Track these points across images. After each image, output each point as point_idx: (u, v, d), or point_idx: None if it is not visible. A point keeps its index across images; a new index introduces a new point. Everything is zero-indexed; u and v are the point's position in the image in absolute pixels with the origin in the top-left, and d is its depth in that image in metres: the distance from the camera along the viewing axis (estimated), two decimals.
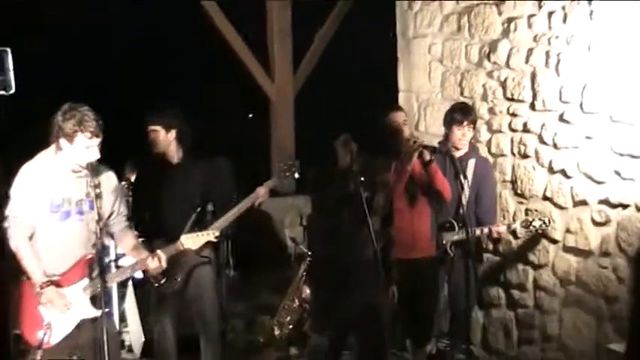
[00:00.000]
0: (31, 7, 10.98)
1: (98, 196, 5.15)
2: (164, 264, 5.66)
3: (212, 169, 6.76)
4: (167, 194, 6.52)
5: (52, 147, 5.27)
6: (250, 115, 15.06)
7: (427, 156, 6.40)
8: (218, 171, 6.80)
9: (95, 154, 5.19)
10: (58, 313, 5.26)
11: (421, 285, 6.62)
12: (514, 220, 7.09)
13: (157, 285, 6.55)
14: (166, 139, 6.57)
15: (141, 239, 6.10)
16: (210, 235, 6.08)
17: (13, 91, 5.10)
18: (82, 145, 5.14)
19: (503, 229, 6.89)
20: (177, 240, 5.96)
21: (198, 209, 6.33)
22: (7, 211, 5.18)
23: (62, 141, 5.15)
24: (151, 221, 6.39)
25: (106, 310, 5.43)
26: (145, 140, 6.70)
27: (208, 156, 6.87)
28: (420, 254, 6.53)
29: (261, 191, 6.58)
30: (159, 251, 5.65)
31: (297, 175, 6.65)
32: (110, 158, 5.46)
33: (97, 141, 5.17)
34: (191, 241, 6.00)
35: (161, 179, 6.57)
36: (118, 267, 5.93)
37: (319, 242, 5.97)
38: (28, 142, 5.21)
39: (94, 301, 5.23)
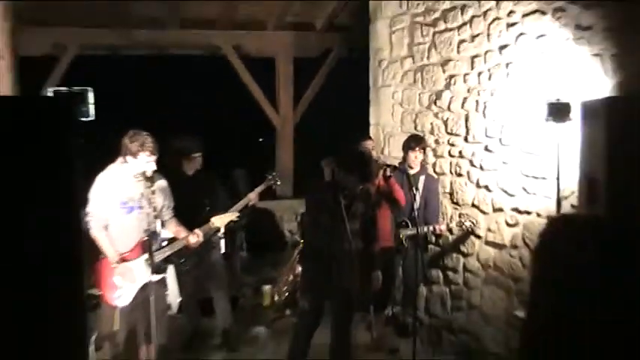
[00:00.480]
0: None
1: (152, 195, 5.24)
2: (201, 239, 5.76)
3: (213, 181, 6.84)
4: (184, 196, 6.59)
5: (119, 160, 5.36)
6: (260, 140, 15.07)
7: (388, 172, 6.43)
8: (216, 183, 6.88)
9: (153, 167, 5.30)
10: (127, 282, 5.35)
11: (383, 267, 6.64)
12: (451, 221, 7.12)
13: (178, 264, 6.63)
14: (200, 163, 6.68)
15: None
16: (232, 215, 6.16)
17: (92, 118, 5.18)
18: (143, 161, 5.24)
19: (443, 227, 6.93)
20: (208, 222, 6.05)
21: (207, 208, 6.37)
22: (88, 209, 5.25)
23: (128, 157, 5.25)
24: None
25: (162, 276, 5.54)
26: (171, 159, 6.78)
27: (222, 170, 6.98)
28: (383, 245, 6.53)
29: (252, 195, 6.64)
30: (197, 230, 5.74)
31: (278, 183, 6.76)
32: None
33: (154, 158, 5.28)
34: (219, 220, 6.08)
35: (179, 186, 6.63)
36: (164, 246, 5.96)
37: (308, 234, 5.97)
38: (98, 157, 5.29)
39: (152, 269, 5.31)
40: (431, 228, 6.84)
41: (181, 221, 5.99)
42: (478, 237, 6.95)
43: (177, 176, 6.64)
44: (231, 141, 13.26)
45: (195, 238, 5.74)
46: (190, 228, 5.94)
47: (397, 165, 6.80)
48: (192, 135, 6.80)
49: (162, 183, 5.58)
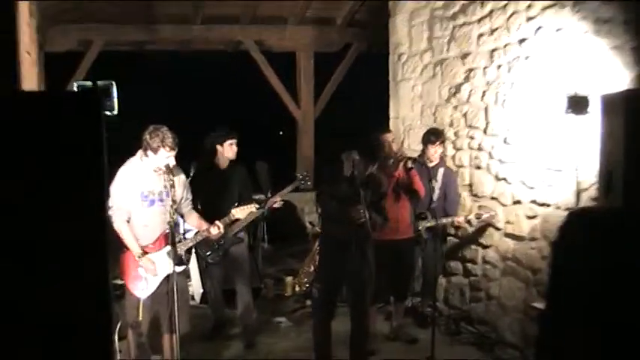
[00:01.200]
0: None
1: (172, 188, 5.26)
2: (222, 230, 5.80)
3: (244, 173, 6.87)
4: (216, 191, 6.62)
5: (139, 154, 5.39)
6: (281, 133, 15.12)
7: (409, 164, 6.42)
8: (247, 175, 6.92)
9: (172, 162, 5.33)
10: (150, 274, 5.40)
11: (403, 258, 6.65)
12: (470, 213, 7.10)
13: (204, 257, 6.68)
14: (235, 150, 6.71)
15: None
16: (251, 207, 6.18)
17: (116, 112, 5.19)
18: (163, 156, 5.28)
19: (461, 219, 6.92)
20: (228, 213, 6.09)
21: (236, 203, 6.39)
22: (110, 202, 5.25)
23: (149, 152, 5.28)
24: (205, 207, 6.45)
25: (183, 267, 5.57)
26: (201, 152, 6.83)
27: (248, 163, 7.02)
28: (402, 236, 6.55)
29: (278, 197, 6.73)
30: (217, 222, 5.77)
31: (309, 183, 6.78)
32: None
33: (173, 153, 5.31)
34: (239, 212, 6.11)
35: (213, 179, 6.69)
36: (186, 238, 5.99)
37: (325, 222, 5.98)
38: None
39: (175, 261, 5.34)
40: (449, 220, 6.79)
41: (214, 214, 6.03)
42: (497, 229, 6.92)
43: (210, 170, 6.72)
44: (254, 134, 13.27)
45: (217, 229, 5.76)
46: (219, 216, 5.97)
47: (417, 158, 6.81)
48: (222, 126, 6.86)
49: (181, 176, 5.61)
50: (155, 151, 5.27)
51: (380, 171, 6.10)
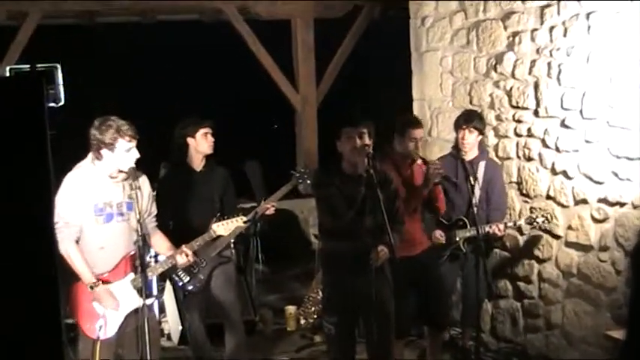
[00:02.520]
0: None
1: (138, 195, 5.23)
2: (191, 258, 5.73)
3: (224, 177, 6.83)
4: (192, 199, 6.59)
5: (89, 157, 5.37)
6: (275, 127, 15.12)
7: (436, 177, 6.38)
8: (228, 179, 6.88)
9: (135, 154, 5.30)
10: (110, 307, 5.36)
11: (428, 276, 6.58)
12: (519, 217, 7.07)
13: (180, 285, 6.63)
14: (211, 142, 6.64)
15: None
16: (238, 220, 6.14)
17: (62, 103, 5.19)
18: (123, 149, 5.24)
19: (501, 226, 6.86)
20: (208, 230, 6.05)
21: (218, 214, 6.35)
22: (56, 218, 5.13)
23: (103, 151, 5.24)
24: (177, 222, 6.43)
25: (151, 300, 5.54)
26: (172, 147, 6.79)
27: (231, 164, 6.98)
28: (419, 250, 6.49)
29: (269, 203, 6.62)
30: (184, 247, 5.71)
31: (309, 181, 6.70)
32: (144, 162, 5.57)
33: (135, 142, 5.28)
34: (222, 228, 6.07)
35: (186, 185, 6.64)
36: (157, 262, 5.97)
37: (326, 237, 5.98)
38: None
39: (141, 292, 5.29)
40: (487, 228, 6.73)
41: (187, 231, 6.01)
42: (556, 237, 6.89)
43: (181, 174, 6.67)
44: (241, 127, 13.28)
45: (184, 257, 5.69)
46: (197, 235, 5.96)
47: (451, 150, 6.81)
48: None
49: (145, 182, 5.57)
50: (111, 146, 5.23)
51: (388, 164, 6.13)
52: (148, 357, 5.12)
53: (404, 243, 6.15)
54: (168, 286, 7.43)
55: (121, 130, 5.23)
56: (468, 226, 6.78)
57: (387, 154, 6.42)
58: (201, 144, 6.60)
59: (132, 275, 5.33)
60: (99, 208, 5.34)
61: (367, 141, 5.60)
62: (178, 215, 6.44)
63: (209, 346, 7.03)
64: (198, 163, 6.67)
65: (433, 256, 6.70)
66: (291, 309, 8.42)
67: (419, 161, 6.49)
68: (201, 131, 6.58)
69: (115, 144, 5.23)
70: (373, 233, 5.46)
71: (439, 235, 6.73)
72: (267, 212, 6.67)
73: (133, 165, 5.32)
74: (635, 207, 6.17)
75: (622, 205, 6.28)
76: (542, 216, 6.77)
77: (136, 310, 5.32)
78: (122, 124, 5.25)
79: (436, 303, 6.69)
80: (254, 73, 11.59)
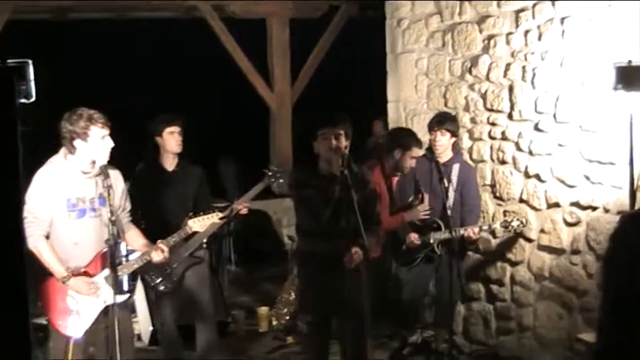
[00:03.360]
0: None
1: (109, 194, 5.20)
2: (167, 254, 5.70)
3: (198, 176, 6.80)
4: (164, 198, 6.57)
5: (61, 152, 5.33)
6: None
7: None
8: (202, 178, 6.85)
9: (110, 143, 5.26)
10: (85, 301, 5.31)
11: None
12: (493, 220, 7.08)
13: (152, 285, 6.60)
14: (181, 141, 6.59)
15: None
16: (214, 216, 6.12)
17: (33, 99, 5.13)
18: (97, 137, 5.20)
19: (476, 230, 6.88)
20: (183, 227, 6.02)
21: (191, 213, 6.31)
22: (25, 213, 5.08)
23: (77, 142, 5.21)
24: (149, 222, 6.40)
25: (126, 297, 5.52)
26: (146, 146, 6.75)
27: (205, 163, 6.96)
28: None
29: (240, 204, 6.57)
30: (160, 243, 5.68)
31: (282, 181, 6.69)
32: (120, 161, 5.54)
33: (108, 130, 5.25)
34: (198, 224, 6.04)
35: (159, 184, 6.61)
36: (129, 260, 5.94)
37: (303, 237, 5.99)
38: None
39: (115, 288, 5.26)
40: (462, 231, 6.76)
41: (161, 230, 5.97)
42: (529, 240, 6.92)
43: (154, 173, 6.64)
44: (215, 125, 13.23)
45: (160, 254, 5.66)
46: (169, 235, 5.92)
47: (425, 152, 6.83)
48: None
49: (118, 178, 5.54)
50: (84, 135, 5.19)
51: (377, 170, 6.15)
52: (118, 356, 5.09)
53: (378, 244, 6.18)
54: (139, 285, 7.38)
55: (92, 118, 5.20)
56: (442, 229, 6.79)
57: (380, 162, 6.46)
58: (168, 143, 6.53)
59: (106, 272, 5.29)
60: (71, 203, 5.30)
61: (343, 142, 5.61)
62: (150, 215, 6.41)
63: (181, 346, 7.01)
64: (169, 162, 6.62)
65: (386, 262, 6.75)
66: (263, 310, 8.39)
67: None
68: (168, 130, 6.50)
69: (89, 132, 5.19)
70: (348, 234, 5.48)
71: (414, 237, 6.74)
72: (241, 212, 6.64)
73: (105, 161, 5.28)
74: (606, 211, 6.21)
75: (594, 208, 6.32)
76: (518, 220, 6.78)
77: (108, 309, 5.29)
78: (93, 113, 5.22)
79: (405, 305, 6.72)
80: (229, 72, 11.56)
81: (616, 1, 6.01)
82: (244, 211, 6.59)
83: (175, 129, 6.52)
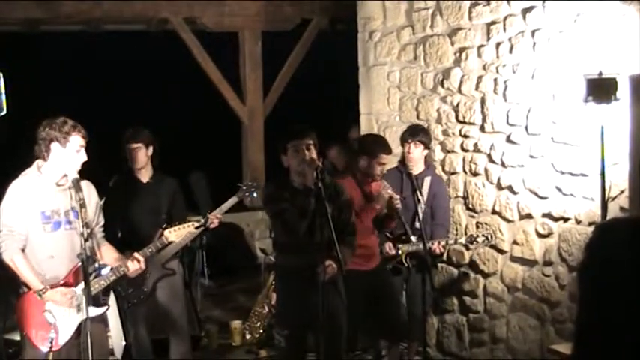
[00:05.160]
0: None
1: (82, 207, 5.17)
2: (143, 265, 5.67)
3: (172, 188, 6.80)
4: (137, 211, 6.54)
5: (34, 166, 5.30)
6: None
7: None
8: (176, 190, 6.85)
9: (84, 157, 5.24)
10: (63, 314, 5.26)
11: (386, 286, 6.66)
12: (465, 232, 7.11)
13: (124, 295, 6.57)
14: (145, 156, 6.60)
15: None
16: (190, 226, 6.10)
17: (4, 112, 5.10)
18: (75, 146, 5.18)
19: (443, 242, 6.86)
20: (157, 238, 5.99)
21: (165, 225, 6.29)
22: (0, 226, 5.15)
23: (54, 146, 5.17)
24: (124, 233, 6.36)
25: (103, 310, 5.48)
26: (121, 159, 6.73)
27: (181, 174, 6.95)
28: (374, 264, 6.57)
29: (214, 216, 6.59)
30: (136, 254, 5.66)
31: (255, 195, 6.71)
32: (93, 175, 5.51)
33: (84, 144, 5.24)
34: (174, 234, 6.01)
35: (132, 197, 6.59)
36: (101, 274, 5.88)
37: (280, 250, 5.99)
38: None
39: (94, 302, 5.24)
40: (429, 244, 6.71)
41: (135, 242, 5.97)
42: (501, 252, 6.94)
43: (129, 184, 6.66)
44: (186, 139, 13.20)
45: (135, 264, 5.63)
46: (144, 247, 5.90)
47: (397, 164, 6.84)
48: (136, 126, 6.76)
49: (92, 191, 5.52)
50: (64, 140, 5.15)
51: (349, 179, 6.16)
52: None
53: (361, 257, 6.17)
54: (112, 298, 7.32)
55: (76, 127, 5.23)
56: (413, 240, 6.78)
57: (350, 170, 6.46)
58: (132, 158, 6.63)
59: (82, 285, 5.24)
60: (46, 216, 5.27)
61: (314, 153, 5.61)
62: (125, 226, 6.39)
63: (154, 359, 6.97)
64: (143, 174, 6.64)
65: (387, 273, 6.73)
66: (236, 323, 8.36)
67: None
68: (132, 146, 6.59)
69: (69, 138, 5.18)
70: (323, 247, 5.47)
71: (389, 247, 6.74)
72: (212, 226, 6.63)
73: (76, 175, 5.25)
74: (578, 222, 6.24)
75: (565, 220, 6.35)
76: (483, 235, 6.79)
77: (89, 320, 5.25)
78: (76, 124, 5.23)
79: (395, 315, 6.69)
80: (200, 85, 11.54)
81: (583, 14, 6.05)
82: (215, 223, 6.60)
83: (138, 145, 6.55)
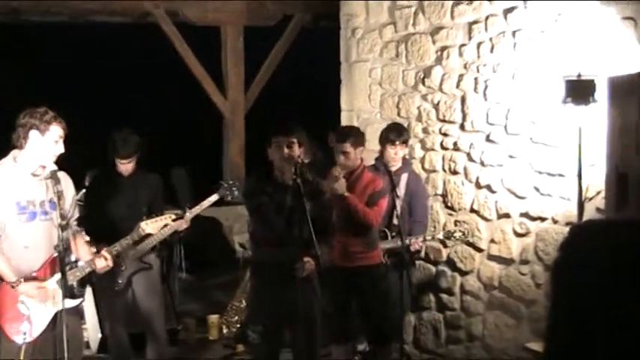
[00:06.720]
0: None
1: (60, 198, 5.14)
2: (110, 263, 5.63)
3: (154, 183, 6.78)
4: (118, 204, 6.53)
5: (10, 155, 5.25)
6: None
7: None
8: (159, 185, 6.83)
9: (61, 149, 5.20)
10: (37, 306, 5.23)
11: (370, 288, 6.65)
12: (444, 229, 7.12)
13: (99, 286, 6.55)
14: (134, 166, 6.59)
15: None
16: (167, 218, 6.09)
17: None
18: (54, 136, 5.13)
19: (420, 239, 6.87)
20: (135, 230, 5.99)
21: (144, 218, 6.28)
22: None
23: (32, 133, 5.12)
24: (103, 227, 6.34)
25: (78, 302, 5.44)
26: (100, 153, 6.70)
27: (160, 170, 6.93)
28: (358, 263, 6.47)
29: (190, 214, 6.57)
30: (104, 251, 5.63)
31: (236, 193, 6.69)
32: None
33: (64, 136, 5.21)
34: (151, 226, 6.00)
35: (113, 191, 6.57)
36: (77, 265, 5.85)
37: (257, 244, 5.99)
38: None
39: (69, 294, 5.19)
40: (416, 239, 6.75)
41: (115, 235, 5.95)
42: (479, 250, 6.96)
43: (110, 178, 6.62)
44: (167, 133, 13.17)
45: (103, 262, 5.60)
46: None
47: (374, 162, 6.83)
48: (127, 133, 6.67)
49: (69, 182, 5.48)
50: (44, 129, 5.11)
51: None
52: None
53: (339, 254, 6.17)
54: (88, 291, 7.31)
55: (57, 117, 5.18)
56: (389, 238, 6.78)
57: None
58: (122, 168, 6.57)
59: (59, 276, 5.21)
60: (22, 206, 5.21)
61: (296, 151, 5.59)
62: (105, 220, 6.37)
63: (131, 354, 6.94)
64: (125, 168, 6.61)
65: (377, 270, 6.68)
66: (213, 318, 8.35)
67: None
68: (119, 161, 6.53)
69: (49, 127, 5.13)
70: (301, 243, 5.47)
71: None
72: (184, 226, 6.60)
73: (54, 166, 5.22)
74: (555, 222, 6.28)
75: (543, 219, 6.38)
76: (460, 231, 6.82)
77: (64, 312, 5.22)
78: (57, 115, 5.20)
79: (377, 317, 6.66)
80: (183, 79, 11.51)
81: (564, 16, 6.08)
82: (184, 226, 6.56)
83: (129, 161, 6.53)
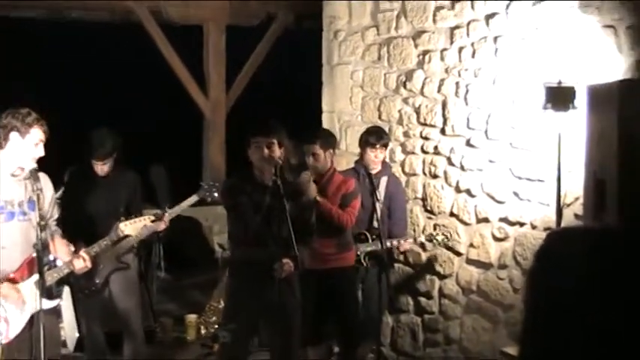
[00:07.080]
0: None
1: (39, 197, 5.12)
2: (89, 264, 5.61)
3: (132, 182, 6.76)
4: (95, 204, 6.50)
5: None
6: None
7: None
8: (137, 184, 6.81)
9: (41, 152, 5.17)
10: (14, 308, 5.21)
11: (340, 291, 6.66)
12: (423, 234, 7.14)
13: (76, 286, 6.53)
14: (110, 166, 6.57)
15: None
16: (146, 219, 6.07)
17: None
18: (34, 139, 5.10)
19: (410, 240, 6.93)
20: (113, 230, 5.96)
21: (122, 218, 6.26)
22: None
23: (12, 135, 5.09)
24: (80, 225, 6.32)
25: (56, 302, 5.42)
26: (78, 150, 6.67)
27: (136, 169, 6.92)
28: (331, 264, 6.54)
29: (167, 216, 6.57)
30: (82, 251, 5.61)
31: (216, 195, 6.69)
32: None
33: (44, 139, 5.17)
34: (130, 227, 5.98)
35: (90, 190, 6.54)
36: (56, 265, 5.83)
37: (235, 244, 5.99)
38: None
39: (47, 294, 5.18)
40: (394, 242, 6.80)
41: (92, 235, 5.94)
42: (458, 254, 7.00)
43: (86, 177, 6.58)
44: (148, 132, 13.12)
45: (81, 262, 5.57)
46: (98, 239, 5.88)
47: (354, 165, 6.85)
48: (104, 133, 6.65)
49: (48, 183, 5.45)
50: (24, 131, 5.07)
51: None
52: None
53: (312, 255, 6.17)
54: (66, 290, 7.28)
55: (39, 120, 5.13)
56: (370, 240, 6.80)
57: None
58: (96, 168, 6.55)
59: (35, 277, 5.19)
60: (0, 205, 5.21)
61: (276, 152, 5.59)
62: (82, 218, 6.34)
63: (107, 353, 6.93)
64: (101, 168, 6.58)
65: (351, 272, 6.70)
66: (191, 318, 8.34)
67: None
68: (94, 162, 6.51)
69: (30, 130, 5.09)
70: (279, 244, 5.48)
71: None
72: (161, 227, 6.60)
73: (34, 165, 5.20)
74: (533, 227, 6.31)
75: (522, 224, 6.42)
76: (442, 234, 6.85)
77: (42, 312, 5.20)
78: (39, 117, 5.15)
79: (346, 321, 6.68)
80: (164, 78, 11.48)
81: (545, 23, 6.12)
82: (163, 226, 6.56)
83: (105, 162, 6.51)
